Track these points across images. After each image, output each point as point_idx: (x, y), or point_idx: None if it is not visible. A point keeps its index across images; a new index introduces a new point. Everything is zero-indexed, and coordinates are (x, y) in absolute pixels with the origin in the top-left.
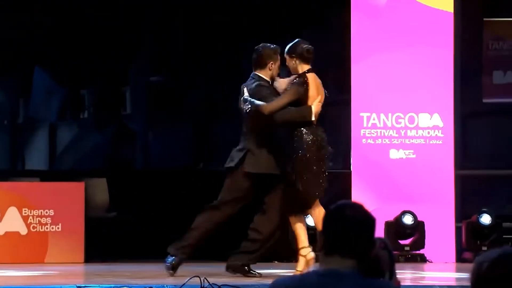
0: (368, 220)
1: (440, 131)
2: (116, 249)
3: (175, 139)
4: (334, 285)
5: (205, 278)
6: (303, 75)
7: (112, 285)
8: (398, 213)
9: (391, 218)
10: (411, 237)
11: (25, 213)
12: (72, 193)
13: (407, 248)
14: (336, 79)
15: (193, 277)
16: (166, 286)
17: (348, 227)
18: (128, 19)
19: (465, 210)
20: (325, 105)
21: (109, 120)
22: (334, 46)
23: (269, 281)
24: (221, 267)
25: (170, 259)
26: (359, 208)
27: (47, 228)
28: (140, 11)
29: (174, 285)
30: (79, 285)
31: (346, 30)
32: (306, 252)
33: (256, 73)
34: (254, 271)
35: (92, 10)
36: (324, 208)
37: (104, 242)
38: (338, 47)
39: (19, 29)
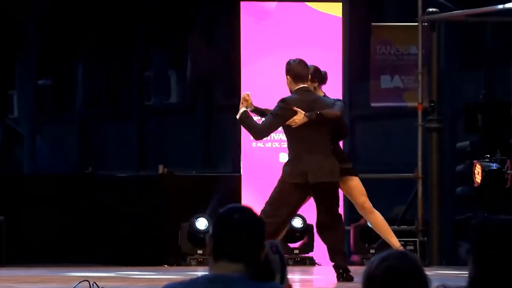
0: (257, 224)
1: None
2: (3, 253)
3: (63, 143)
4: None
5: (94, 282)
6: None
7: None
8: None
9: None
10: (300, 241)
11: None
12: None
13: (296, 251)
14: (226, 82)
15: (82, 281)
16: None
17: (237, 231)
18: (12, 22)
19: (353, 213)
20: (215, 109)
21: None
22: (224, 49)
23: (159, 285)
24: (109, 271)
25: None
26: (248, 212)
27: None
28: (24, 14)
29: None
30: None
31: (236, 33)
32: None
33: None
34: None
35: None
36: (214, 212)
37: None
38: (228, 50)
39: None
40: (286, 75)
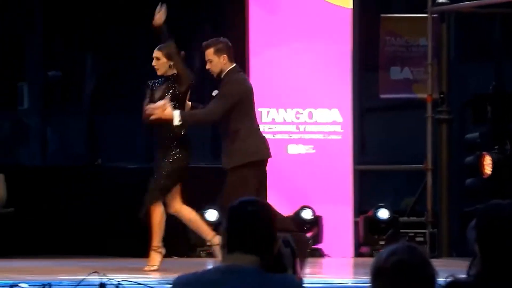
0: (270, 216)
1: (339, 126)
2: (13, 245)
3: (73, 135)
4: (236, 281)
5: (103, 273)
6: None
7: (9, 282)
8: (296, 208)
9: (290, 213)
10: (309, 232)
11: None
12: None
13: None
14: None
15: (92, 272)
16: (64, 282)
17: (250, 224)
18: (17, 12)
19: (362, 205)
20: None
21: (5, 116)
22: (232, 42)
23: (170, 276)
24: (120, 262)
25: None
26: (261, 204)
27: None
28: (29, 5)
29: (72, 281)
30: None
31: (244, 24)
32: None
33: None
34: None
35: None
36: (225, 204)
37: (1, 237)
38: (236, 41)
39: None
40: (222, 54)
